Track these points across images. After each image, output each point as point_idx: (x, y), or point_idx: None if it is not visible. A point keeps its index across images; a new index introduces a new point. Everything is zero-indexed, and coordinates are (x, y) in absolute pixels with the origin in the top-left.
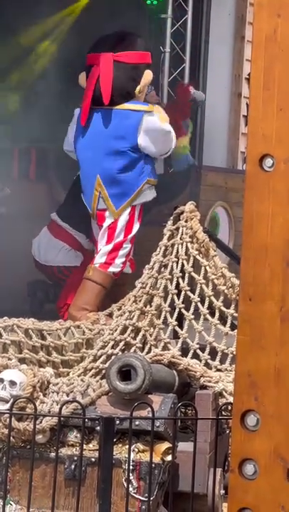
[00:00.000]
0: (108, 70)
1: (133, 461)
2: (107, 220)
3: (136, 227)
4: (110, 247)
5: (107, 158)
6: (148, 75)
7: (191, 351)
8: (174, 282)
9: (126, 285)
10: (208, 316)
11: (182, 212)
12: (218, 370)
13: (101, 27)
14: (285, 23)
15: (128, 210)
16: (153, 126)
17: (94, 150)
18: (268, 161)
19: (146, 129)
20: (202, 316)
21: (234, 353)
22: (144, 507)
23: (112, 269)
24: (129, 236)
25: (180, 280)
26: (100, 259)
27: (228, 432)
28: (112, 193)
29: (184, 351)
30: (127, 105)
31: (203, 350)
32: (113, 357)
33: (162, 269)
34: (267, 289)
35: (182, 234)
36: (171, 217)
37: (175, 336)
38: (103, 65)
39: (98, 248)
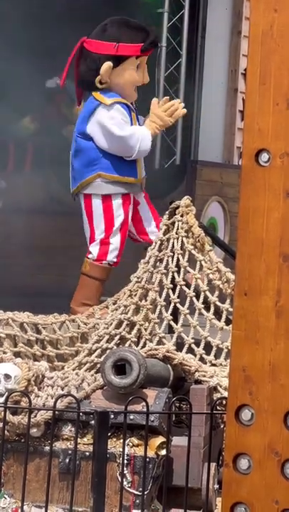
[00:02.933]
0: (72, 56)
1: (127, 455)
2: (82, 207)
3: (119, 218)
4: (98, 243)
5: (73, 141)
6: (104, 67)
7: (186, 346)
8: (170, 277)
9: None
10: (204, 311)
11: (178, 207)
12: (213, 364)
13: (97, 20)
14: (281, 18)
15: (99, 199)
16: (102, 121)
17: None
18: (264, 156)
19: (97, 121)
20: (197, 311)
21: (229, 347)
22: (138, 501)
23: (106, 262)
24: (114, 228)
25: (175, 274)
26: (92, 254)
27: (222, 426)
28: (71, 175)
29: (179, 346)
30: (94, 93)
31: (198, 344)
32: (108, 351)
33: (158, 264)
34: (262, 284)
35: (178, 228)
36: (167, 212)
37: (170, 330)
38: (75, 50)
39: (87, 240)
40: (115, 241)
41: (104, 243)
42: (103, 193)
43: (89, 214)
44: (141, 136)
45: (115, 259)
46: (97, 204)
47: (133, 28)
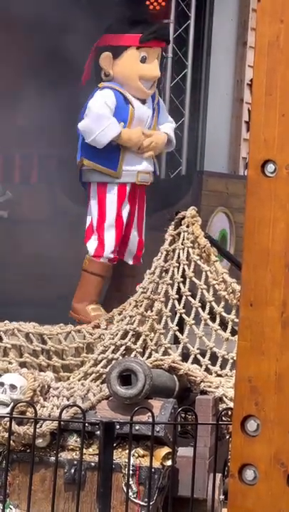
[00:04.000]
0: (91, 53)
1: (133, 465)
2: None
3: (111, 212)
4: (95, 237)
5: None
6: (102, 57)
7: (192, 356)
8: (175, 287)
9: (135, 278)
10: (209, 322)
11: (184, 218)
12: (219, 375)
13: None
14: (287, 29)
15: (95, 190)
16: (89, 101)
17: None
18: (270, 167)
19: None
20: (203, 322)
21: (234, 358)
22: None
23: (104, 258)
24: (106, 224)
25: (181, 285)
26: (90, 250)
27: (228, 437)
28: None
29: (185, 356)
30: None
31: (203, 355)
32: (114, 361)
33: (163, 274)
34: (268, 295)
35: (183, 239)
36: (173, 223)
37: (176, 341)
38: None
39: None
40: (109, 236)
41: (100, 239)
42: (91, 180)
43: (88, 205)
44: (109, 126)
45: (111, 256)
46: (94, 194)
47: (134, 20)
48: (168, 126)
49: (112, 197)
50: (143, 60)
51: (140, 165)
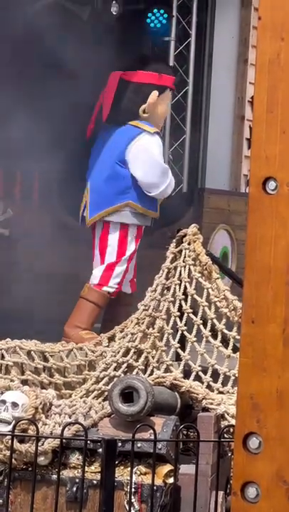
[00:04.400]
0: (112, 88)
1: (135, 483)
2: (96, 232)
3: (130, 248)
4: (103, 267)
5: (99, 166)
6: (153, 95)
7: (194, 373)
8: (177, 304)
9: (130, 306)
10: (211, 339)
11: (185, 235)
12: (220, 392)
13: (103, 49)
14: (288, 47)
15: (117, 228)
16: (145, 146)
17: (93, 161)
18: (271, 184)
19: (138, 146)
20: (204, 339)
21: (236, 375)
22: None
23: (106, 288)
24: (123, 258)
25: (182, 302)
26: (94, 279)
27: (230, 454)
28: (92, 201)
29: (186, 373)
30: (132, 121)
31: (205, 372)
32: (115, 379)
33: (165, 292)
34: (269, 312)
35: (185, 256)
36: (174, 240)
37: (177, 358)
38: (110, 83)
39: (93, 264)
40: (120, 269)
41: (109, 269)
42: (125, 222)
43: (103, 240)
44: (172, 178)
45: (116, 286)
46: (114, 232)
47: (164, 63)
48: None
49: (132, 237)
50: None
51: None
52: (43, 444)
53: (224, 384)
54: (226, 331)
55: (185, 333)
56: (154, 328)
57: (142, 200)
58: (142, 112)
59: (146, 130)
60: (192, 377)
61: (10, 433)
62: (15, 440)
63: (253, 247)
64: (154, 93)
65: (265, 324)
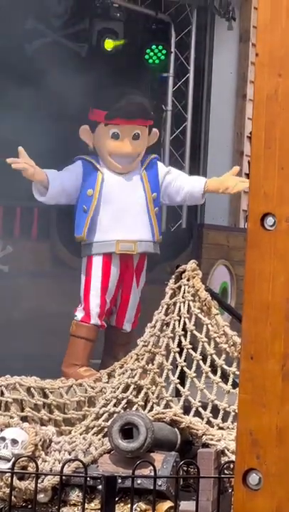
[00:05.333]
0: None
1: None
2: None
3: (94, 280)
4: (82, 301)
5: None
6: (80, 129)
7: (193, 409)
8: (176, 340)
9: (128, 344)
10: (210, 374)
11: (184, 271)
12: (220, 428)
13: (102, 85)
14: (286, 83)
15: (85, 261)
16: None
17: None
18: (270, 220)
19: None
20: (204, 374)
21: (236, 411)
22: None
23: (92, 321)
24: (92, 290)
25: (182, 338)
26: (78, 314)
27: (230, 490)
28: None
29: (186, 409)
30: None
31: (205, 408)
32: (115, 415)
33: (164, 328)
34: (268, 348)
35: (184, 292)
36: (173, 276)
37: (177, 393)
38: None
39: None
40: (95, 302)
41: (86, 302)
42: (86, 253)
43: (81, 277)
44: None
45: (98, 323)
46: (84, 265)
47: (110, 95)
48: (188, 181)
49: (96, 268)
50: (115, 137)
51: (118, 233)
52: (42, 481)
53: (224, 420)
54: (225, 367)
55: (185, 368)
56: (153, 364)
57: (77, 228)
58: (89, 148)
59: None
60: (192, 413)
61: (9, 470)
62: (14, 477)
63: (251, 282)
64: (81, 129)
65: (264, 360)
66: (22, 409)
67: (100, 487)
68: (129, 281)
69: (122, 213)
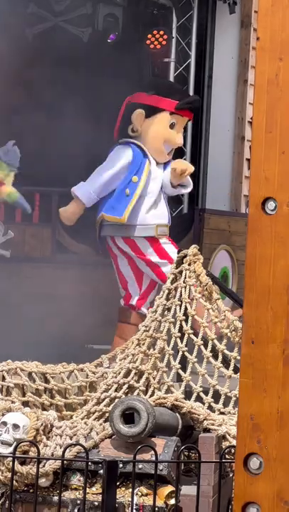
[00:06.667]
0: (121, 110)
1: (136, 504)
2: None
3: (117, 260)
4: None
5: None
6: (134, 114)
7: (195, 394)
8: (178, 325)
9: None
10: (212, 359)
11: (185, 256)
12: (222, 413)
13: (102, 71)
14: (286, 67)
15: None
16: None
17: None
18: (271, 204)
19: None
20: (205, 359)
21: (237, 396)
22: None
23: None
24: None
25: (183, 323)
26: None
27: (231, 475)
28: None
29: (188, 394)
30: (123, 139)
31: (206, 393)
32: (116, 400)
33: (165, 312)
34: (269, 332)
35: (185, 277)
36: (175, 261)
37: (178, 379)
38: (123, 105)
39: None
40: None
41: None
42: (104, 234)
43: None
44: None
45: (134, 303)
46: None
47: (173, 87)
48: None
49: (115, 250)
50: (172, 126)
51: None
52: (44, 466)
53: (225, 405)
54: (226, 352)
55: (186, 353)
56: (154, 349)
57: (109, 208)
58: (131, 131)
59: (120, 143)
60: (193, 398)
61: (11, 455)
62: (16, 462)
63: (252, 267)
64: (137, 111)
65: (265, 345)
66: (23, 394)
67: (101, 472)
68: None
69: (156, 199)
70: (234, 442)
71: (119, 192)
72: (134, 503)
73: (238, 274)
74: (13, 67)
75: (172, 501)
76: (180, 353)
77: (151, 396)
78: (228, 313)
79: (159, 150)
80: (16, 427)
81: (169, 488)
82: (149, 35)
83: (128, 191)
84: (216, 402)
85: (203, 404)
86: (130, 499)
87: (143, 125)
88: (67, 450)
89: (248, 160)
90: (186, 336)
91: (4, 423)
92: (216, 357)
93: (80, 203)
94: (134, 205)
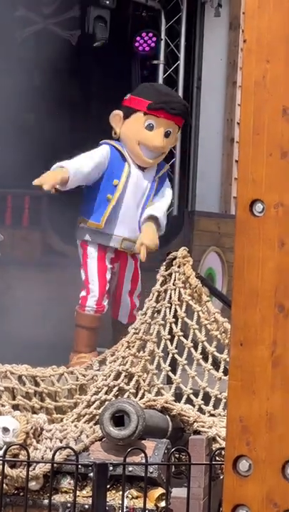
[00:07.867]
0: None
1: (127, 507)
2: None
3: (90, 265)
4: (82, 288)
5: None
6: (111, 115)
7: (185, 396)
8: (167, 328)
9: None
10: (202, 361)
11: (175, 258)
12: (212, 415)
13: (92, 73)
14: (273, 69)
15: (78, 246)
16: None
17: None
18: (258, 206)
19: None
20: (195, 362)
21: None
22: None
23: (88, 309)
24: (89, 275)
25: (173, 325)
26: (79, 301)
27: (221, 477)
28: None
29: (178, 396)
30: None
31: (196, 395)
32: (106, 403)
33: (155, 315)
34: (258, 334)
35: (175, 279)
36: (164, 263)
37: (168, 381)
38: None
39: None
40: (93, 287)
41: (84, 289)
42: (81, 239)
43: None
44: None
45: (95, 306)
46: (80, 250)
47: (155, 89)
48: (158, 207)
49: (92, 256)
50: (149, 128)
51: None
52: (34, 469)
53: (215, 407)
54: (216, 354)
55: (176, 356)
56: (144, 352)
57: (90, 213)
58: (114, 133)
59: (100, 144)
60: (183, 400)
61: (1, 458)
62: (6, 465)
63: (240, 269)
64: (113, 114)
65: (253, 347)
66: (13, 398)
67: (91, 474)
68: (119, 278)
69: (130, 210)
70: (224, 444)
71: (100, 197)
72: (125, 505)
73: (228, 275)
74: (2, 69)
75: (163, 504)
76: (170, 355)
77: (141, 398)
78: (218, 315)
79: (134, 152)
80: (5, 430)
81: (160, 491)
82: (138, 38)
83: (110, 196)
84: (206, 404)
85: (194, 406)
86: (121, 502)
87: (122, 127)
88: (57, 453)
89: (237, 162)
90: (176, 338)
91: None
92: (205, 359)
93: (65, 170)
94: (111, 211)
